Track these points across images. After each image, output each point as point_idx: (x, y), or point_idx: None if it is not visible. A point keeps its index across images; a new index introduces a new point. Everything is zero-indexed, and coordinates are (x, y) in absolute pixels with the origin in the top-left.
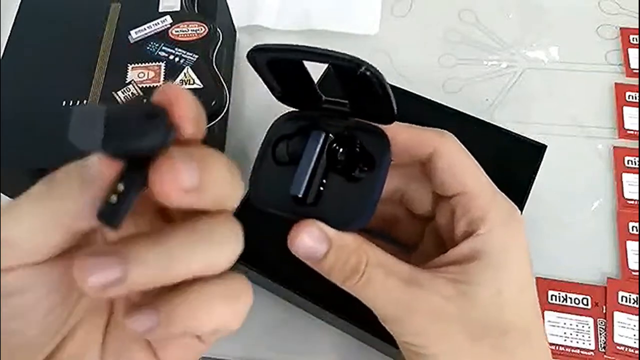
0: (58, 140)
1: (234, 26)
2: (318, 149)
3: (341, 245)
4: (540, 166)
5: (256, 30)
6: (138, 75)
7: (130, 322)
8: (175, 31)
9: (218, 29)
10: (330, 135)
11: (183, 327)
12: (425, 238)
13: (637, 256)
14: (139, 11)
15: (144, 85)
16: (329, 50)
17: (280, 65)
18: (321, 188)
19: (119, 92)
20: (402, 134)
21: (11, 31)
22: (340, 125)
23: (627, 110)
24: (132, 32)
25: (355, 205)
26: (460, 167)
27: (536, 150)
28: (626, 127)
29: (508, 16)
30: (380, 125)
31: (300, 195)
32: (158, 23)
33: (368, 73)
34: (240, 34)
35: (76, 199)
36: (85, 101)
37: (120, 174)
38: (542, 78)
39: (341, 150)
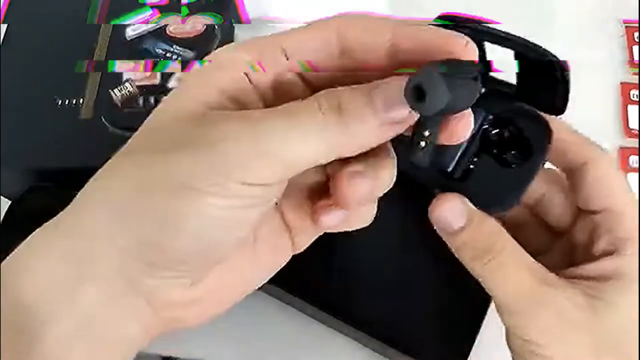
0: (55, 140)
1: (240, 21)
2: (475, 127)
3: (482, 222)
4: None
5: (256, 25)
6: (135, 73)
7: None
8: (173, 28)
9: (216, 27)
10: (490, 115)
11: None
12: (554, 252)
13: None
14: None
15: (141, 84)
16: (514, 36)
17: None
18: (470, 166)
19: (115, 90)
20: (561, 134)
21: (5, 31)
22: (503, 106)
23: (631, 108)
24: (128, 29)
25: (503, 190)
26: (612, 183)
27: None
28: (630, 126)
29: (511, 14)
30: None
31: (449, 170)
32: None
33: (556, 61)
34: (239, 30)
35: (375, 139)
36: (81, 100)
37: (419, 120)
38: None
39: (497, 131)
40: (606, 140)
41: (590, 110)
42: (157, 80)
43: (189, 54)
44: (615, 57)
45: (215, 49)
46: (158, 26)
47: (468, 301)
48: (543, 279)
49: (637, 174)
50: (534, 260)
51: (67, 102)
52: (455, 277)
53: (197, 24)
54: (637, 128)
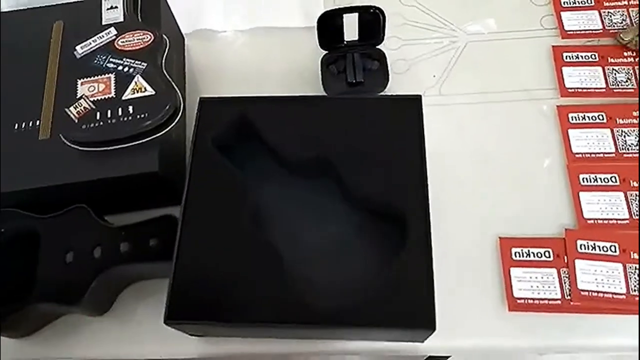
0: (11, 165)
1: (180, 32)
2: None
3: None
4: (492, 132)
5: (205, 34)
6: (88, 89)
7: None
8: (121, 42)
9: (164, 36)
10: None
11: None
12: None
13: (593, 205)
14: (82, 26)
15: (96, 99)
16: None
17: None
18: (357, 77)
19: (71, 108)
20: None
21: None
22: (358, 50)
23: (566, 70)
24: (78, 47)
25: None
26: None
27: (414, 103)
28: (567, 85)
29: None
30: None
31: (354, 81)
32: (103, 36)
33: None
34: (189, 39)
35: None
36: (38, 122)
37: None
38: (483, 49)
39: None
40: (545, 101)
41: (527, 74)
42: (111, 93)
43: (140, 64)
44: (544, 23)
45: (165, 57)
46: (106, 41)
47: (411, 266)
48: None
49: (578, 129)
50: None
51: (23, 126)
52: (393, 252)
53: (144, 35)
54: (574, 87)
